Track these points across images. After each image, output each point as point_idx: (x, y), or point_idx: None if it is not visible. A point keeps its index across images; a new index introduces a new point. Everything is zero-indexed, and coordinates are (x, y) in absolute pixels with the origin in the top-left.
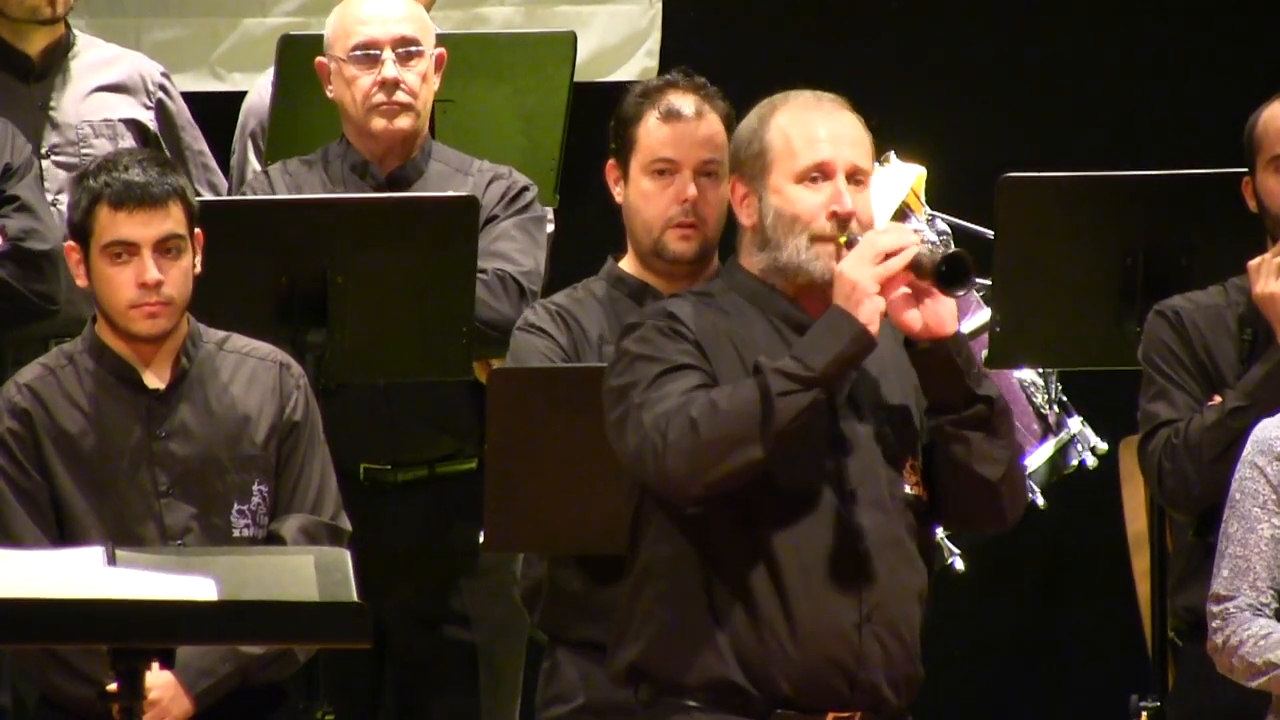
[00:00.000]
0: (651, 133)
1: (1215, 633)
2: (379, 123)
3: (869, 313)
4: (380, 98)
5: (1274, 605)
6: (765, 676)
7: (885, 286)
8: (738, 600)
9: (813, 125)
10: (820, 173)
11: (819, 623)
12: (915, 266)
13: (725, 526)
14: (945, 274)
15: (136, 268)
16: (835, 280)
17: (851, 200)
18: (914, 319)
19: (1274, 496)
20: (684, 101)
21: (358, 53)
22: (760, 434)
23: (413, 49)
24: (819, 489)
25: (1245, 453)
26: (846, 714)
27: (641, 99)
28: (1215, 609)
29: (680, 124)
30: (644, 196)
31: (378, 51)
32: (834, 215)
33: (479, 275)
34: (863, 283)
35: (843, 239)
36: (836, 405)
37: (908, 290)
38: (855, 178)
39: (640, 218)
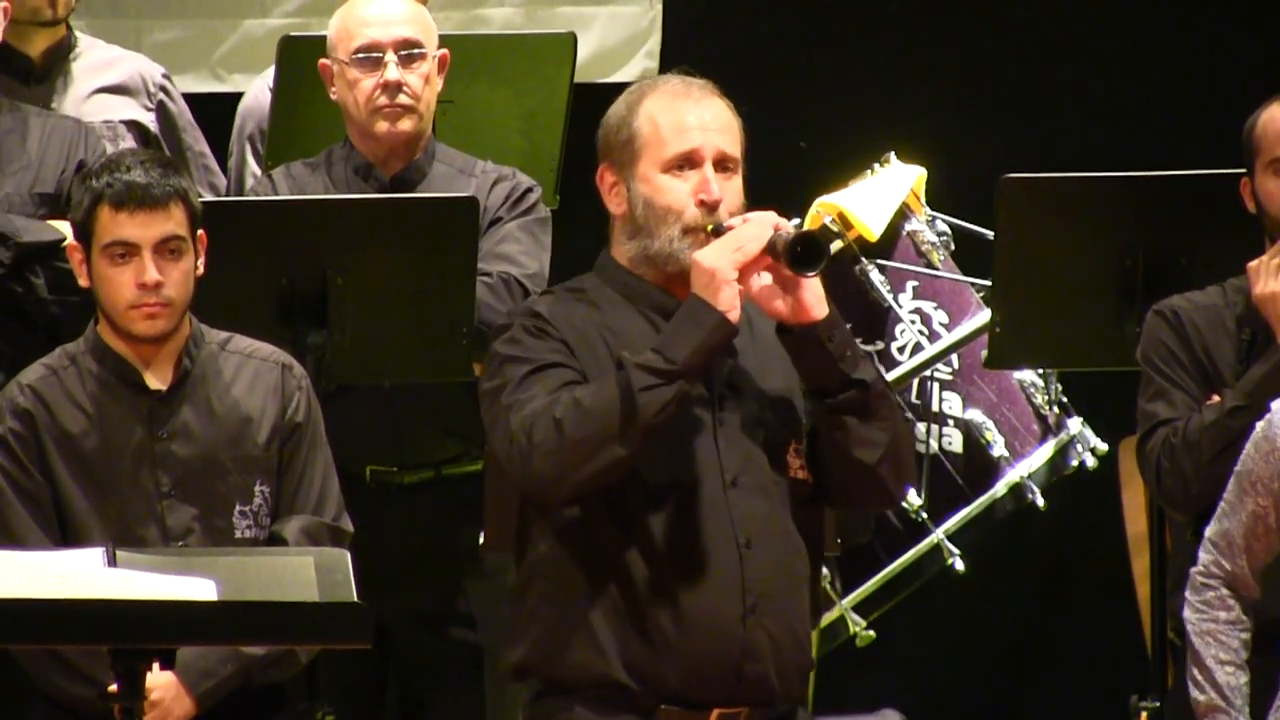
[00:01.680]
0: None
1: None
2: (382, 125)
3: (727, 300)
4: (383, 100)
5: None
6: (650, 674)
7: (744, 273)
8: (620, 598)
9: (681, 113)
10: (688, 161)
11: (703, 617)
12: (770, 250)
13: (605, 524)
14: (798, 254)
15: (136, 268)
16: (693, 269)
17: (720, 188)
18: (781, 305)
19: (1263, 479)
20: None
21: (360, 55)
22: (623, 431)
23: (415, 51)
24: (699, 480)
25: (1255, 430)
26: (733, 710)
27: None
28: (1204, 555)
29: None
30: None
31: (380, 54)
32: (702, 203)
33: (483, 278)
34: (720, 270)
35: (710, 227)
36: (715, 394)
37: (774, 276)
38: (724, 165)
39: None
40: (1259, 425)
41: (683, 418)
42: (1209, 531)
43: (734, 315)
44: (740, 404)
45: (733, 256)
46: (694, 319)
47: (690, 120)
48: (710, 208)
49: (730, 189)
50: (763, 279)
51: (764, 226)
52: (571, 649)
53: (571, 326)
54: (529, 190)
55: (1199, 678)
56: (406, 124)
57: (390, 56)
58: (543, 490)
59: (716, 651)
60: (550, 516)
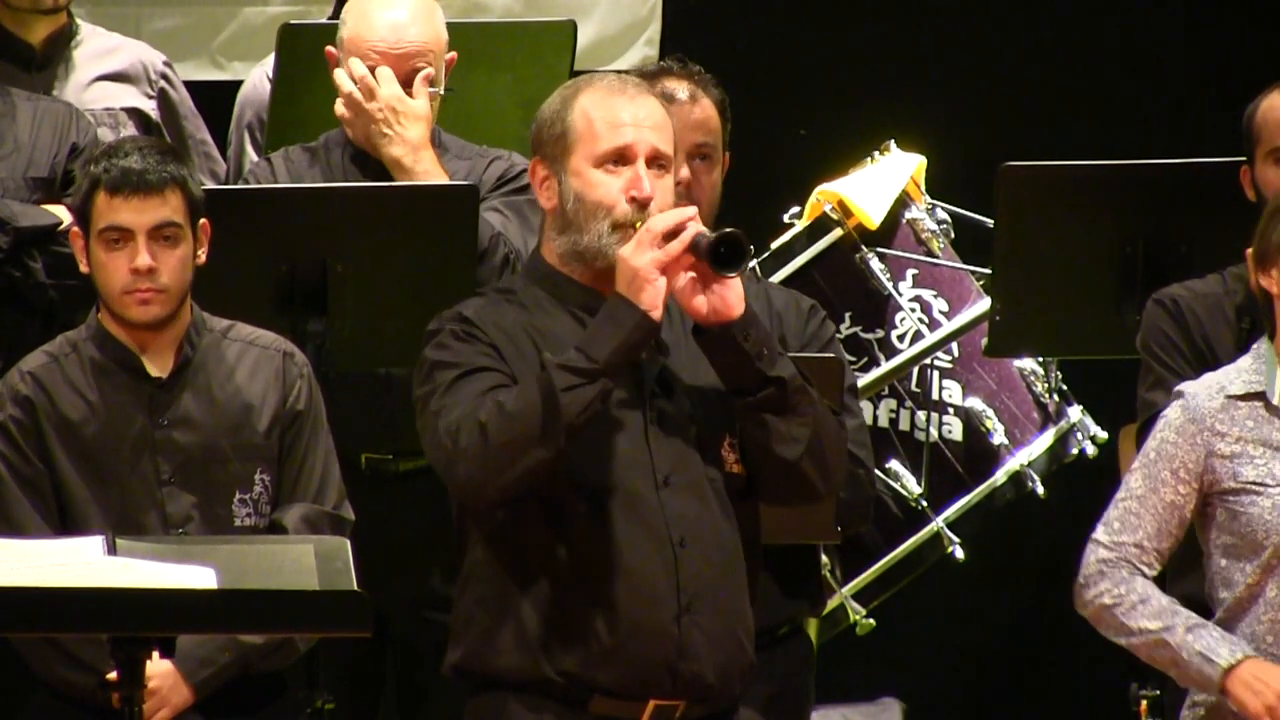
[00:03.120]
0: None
1: (1088, 579)
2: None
3: (650, 298)
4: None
5: (1156, 568)
6: (583, 675)
7: (669, 270)
8: (553, 599)
9: (615, 109)
10: (620, 157)
11: (636, 617)
12: (694, 248)
13: (537, 526)
14: (721, 255)
15: (130, 253)
16: (617, 267)
17: (651, 185)
18: (700, 304)
19: (1192, 468)
20: (678, 86)
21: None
22: (545, 433)
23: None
24: (631, 479)
25: (1171, 415)
26: (670, 702)
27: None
28: (1094, 556)
29: (674, 108)
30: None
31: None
32: (633, 200)
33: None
34: (643, 269)
35: (639, 224)
36: (646, 392)
37: (694, 275)
38: (657, 162)
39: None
40: (1172, 412)
41: (613, 418)
42: (1098, 534)
43: (656, 314)
44: (672, 401)
45: (655, 255)
46: (615, 318)
47: (624, 116)
48: (641, 204)
49: (662, 187)
50: (683, 277)
51: (681, 217)
52: (505, 651)
53: (500, 329)
54: (523, 171)
55: (1136, 634)
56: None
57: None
58: (470, 494)
59: (650, 651)
60: (483, 520)
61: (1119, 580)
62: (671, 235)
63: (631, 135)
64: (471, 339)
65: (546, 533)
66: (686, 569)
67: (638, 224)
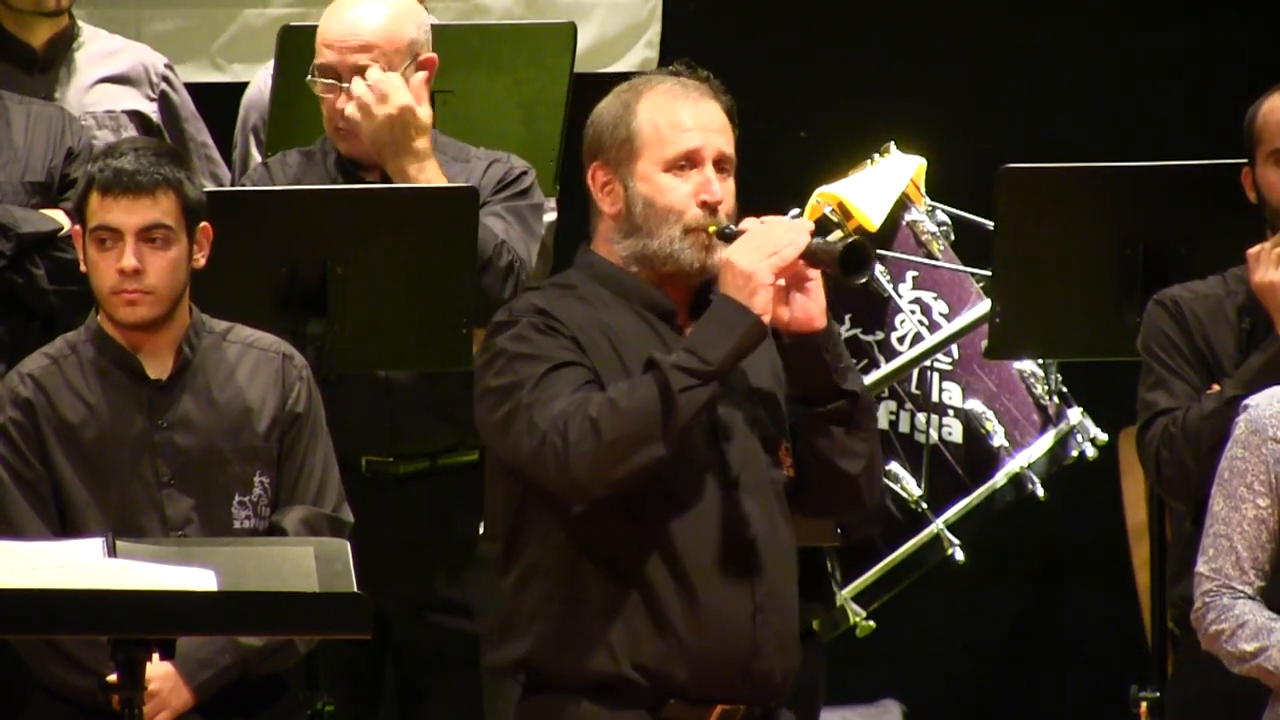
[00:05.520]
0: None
1: (1198, 614)
2: (345, 146)
3: (763, 303)
4: (344, 125)
5: (1256, 584)
6: (661, 670)
7: (776, 277)
8: (632, 594)
9: (680, 112)
10: (689, 161)
11: (718, 614)
12: (809, 256)
13: (614, 522)
14: (846, 262)
15: (118, 254)
16: (725, 270)
17: (719, 188)
18: (785, 313)
19: (1263, 477)
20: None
21: (322, 79)
22: (663, 431)
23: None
24: (704, 478)
25: (1237, 431)
26: (733, 706)
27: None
28: (1198, 590)
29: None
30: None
31: (338, 81)
32: (704, 204)
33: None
34: (758, 273)
35: (712, 228)
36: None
37: (782, 283)
38: (721, 165)
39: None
40: (1238, 428)
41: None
42: (1200, 566)
43: (767, 318)
44: (735, 403)
45: (771, 261)
46: (727, 321)
47: (690, 120)
48: (711, 208)
49: (727, 190)
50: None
51: (799, 232)
52: (578, 646)
53: (575, 323)
54: (523, 174)
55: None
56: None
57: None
58: (577, 490)
59: (728, 650)
60: (557, 514)
61: (1221, 610)
62: (785, 244)
63: (700, 139)
64: (553, 332)
65: (625, 528)
66: (758, 568)
67: (710, 228)
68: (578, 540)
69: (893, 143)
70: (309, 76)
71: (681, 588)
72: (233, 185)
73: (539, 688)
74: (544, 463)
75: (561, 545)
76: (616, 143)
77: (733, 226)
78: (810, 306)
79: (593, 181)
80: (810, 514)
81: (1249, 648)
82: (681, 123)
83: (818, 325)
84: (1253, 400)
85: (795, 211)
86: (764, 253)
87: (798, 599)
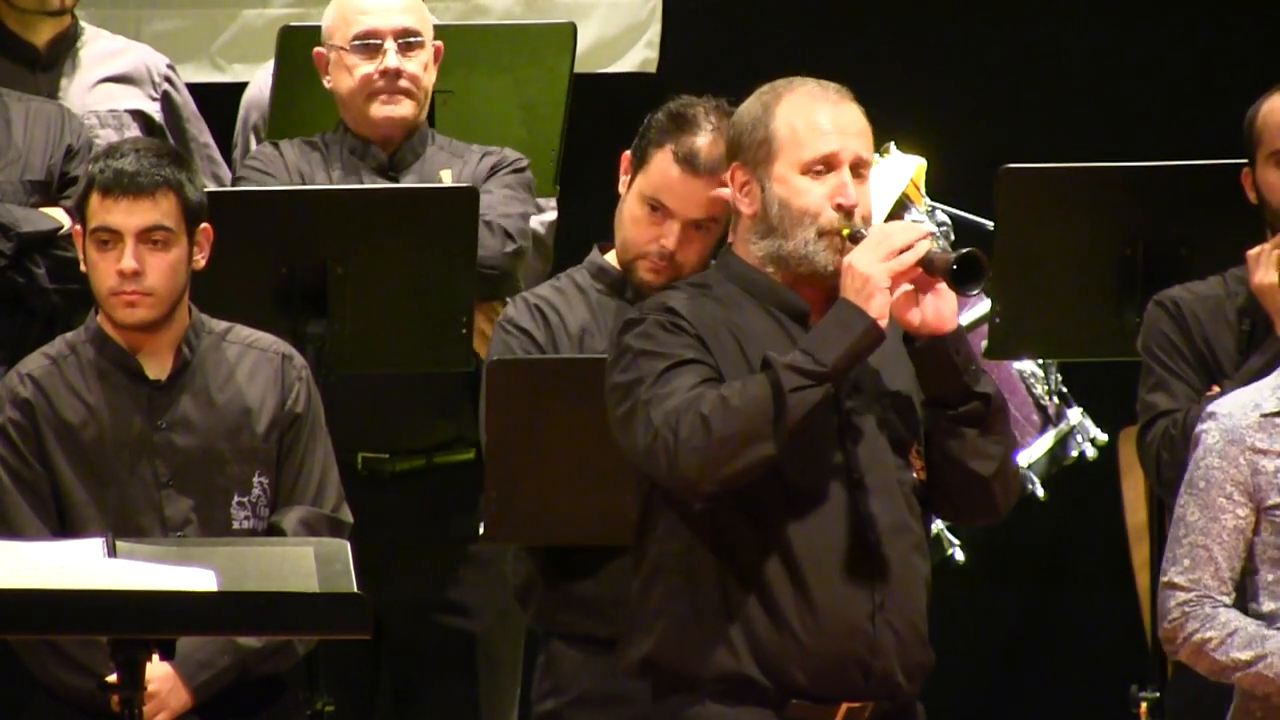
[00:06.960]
0: (662, 169)
1: (1175, 624)
2: (380, 110)
3: (880, 307)
4: (382, 84)
5: (1233, 596)
6: (780, 669)
7: (894, 281)
8: (751, 594)
9: (819, 115)
10: (826, 164)
11: (834, 615)
12: (926, 263)
13: (737, 520)
14: (959, 272)
15: (118, 255)
16: (845, 273)
17: (855, 192)
18: (915, 315)
19: (1243, 486)
20: (702, 148)
21: (359, 42)
22: (773, 430)
23: (413, 39)
24: (828, 479)
25: (1209, 439)
26: (860, 704)
27: (670, 124)
28: (1173, 600)
29: (689, 176)
30: (633, 219)
31: (379, 41)
32: (839, 207)
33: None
34: (875, 277)
35: (846, 231)
36: (841, 394)
37: (910, 286)
38: (858, 170)
39: (624, 233)
40: (1209, 436)
41: (817, 417)
42: (1173, 575)
43: (884, 322)
44: (865, 404)
45: (889, 265)
46: (844, 323)
47: (829, 124)
48: (847, 212)
49: (864, 194)
50: (902, 288)
51: (916, 232)
52: (701, 644)
53: (702, 322)
54: (516, 159)
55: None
56: (405, 109)
57: (390, 44)
58: (686, 486)
59: (846, 649)
60: (680, 513)
61: (1204, 619)
62: (904, 249)
63: (837, 142)
64: (678, 330)
65: (746, 527)
66: (879, 568)
67: (845, 231)
68: (700, 539)
69: (893, 143)
70: (334, 45)
71: (798, 588)
72: (235, 178)
73: (665, 690)
74: (656, 458)
75: (685, 543)
76: (755, 143)
77: (865, 230)
78: (942, 308)
79: (731, 181)
80: (945, 518)
81: (1244, 656)
82: (819, 125)
83: (947, 328)
84: (1220, 408)
85: (913, 215)
86: (883, 257)
87: (925, 598)
